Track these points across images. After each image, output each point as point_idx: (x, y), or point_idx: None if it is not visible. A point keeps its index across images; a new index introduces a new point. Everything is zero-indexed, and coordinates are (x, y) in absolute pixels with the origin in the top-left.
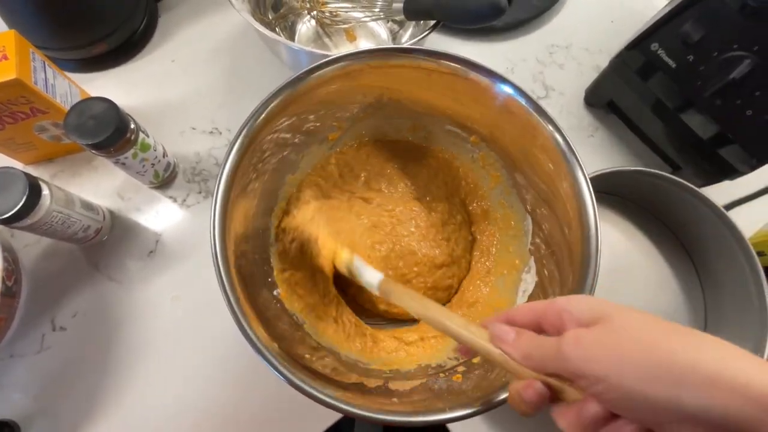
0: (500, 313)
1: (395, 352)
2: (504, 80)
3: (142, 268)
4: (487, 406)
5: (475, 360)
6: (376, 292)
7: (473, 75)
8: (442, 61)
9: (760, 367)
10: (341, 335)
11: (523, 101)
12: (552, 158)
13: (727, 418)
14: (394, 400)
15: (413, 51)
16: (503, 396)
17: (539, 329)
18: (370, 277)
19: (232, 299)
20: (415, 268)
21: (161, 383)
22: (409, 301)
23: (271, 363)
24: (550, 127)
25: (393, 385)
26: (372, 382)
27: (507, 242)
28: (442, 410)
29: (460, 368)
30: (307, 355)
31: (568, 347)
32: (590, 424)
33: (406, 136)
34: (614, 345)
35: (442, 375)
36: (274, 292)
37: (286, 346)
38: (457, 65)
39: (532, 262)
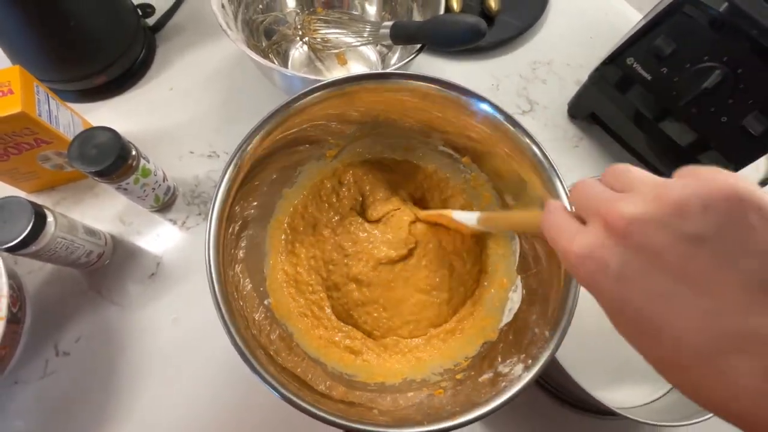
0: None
1: (381, 367)
2: (480, 98)
3: (144, 290)
4: (464, 421)
5: (458, 376)
6: (477, 227)
7: (452, 94)
8: (419, 83)
9: None
10: (328, 345)
11: (500, 116)
12: (532, 170)
13: None
14: (375, 411)
15: (391, 75)
16: (482, 411)
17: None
18: (469, 219)
19: (228, 321)
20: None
21: (164, 404)
22: (501, 223)
23: (269, 382)
24: (527, 140)
25: (375, 397)
26: (356, 394)
27: (496, 262)
28: (420, 423)
29: (444, 383)
30: (295, 367)
31: None
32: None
33: (400, 155)
34: None
35: (425, 389)
36: (265, 302)
37: (278, 360)
38: (431, 85)
39: (518, 281)
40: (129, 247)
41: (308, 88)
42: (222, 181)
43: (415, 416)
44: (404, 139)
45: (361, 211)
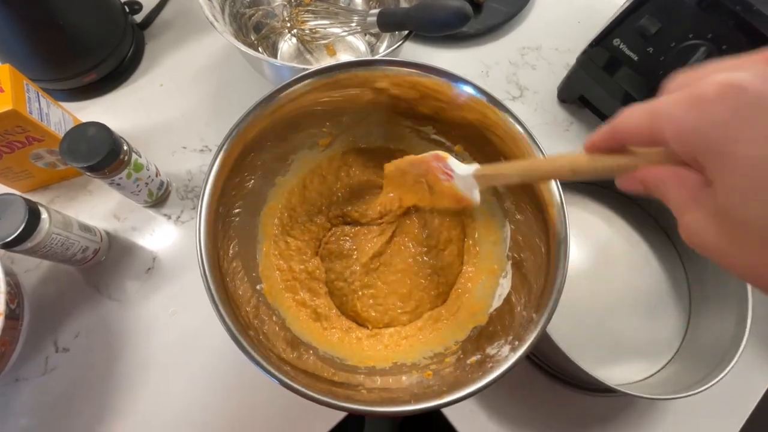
0: (603, 130)
1: (372, 350)
2: (465, 81)
3: (141, 285)
4: (450, 400)
5: (448, 359)
6: (472, 180)
7: (439, 80)
8: (407, 70)
9: None
10: (320, 330)
11: (484, 99)
12: (521, 155)
13: None
14: (363, 392)
15: (379, 62)
16: (467, 391)
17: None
18: (464, 170)
19: (223, 312)
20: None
21: (165, 398)
22: (506, 171)
23: (262, 366)
24: (510, 119)
25: (365, 380)
26: (345, 376)
27: (487, 249)
28: (408, 402)
29: (433, 366)
30: (289, 351)
31: (690, 238)
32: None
33: (394, 144)
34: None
35: (414, 372)
36: (258, 287)
37: (270, 344)
38: (419, 71)
39: (509, 267)
40: (124, 242)
41: (296, 76)
42: (212, 169)
43: (403, 396)
44: (397, 127)
45: (355, 207)
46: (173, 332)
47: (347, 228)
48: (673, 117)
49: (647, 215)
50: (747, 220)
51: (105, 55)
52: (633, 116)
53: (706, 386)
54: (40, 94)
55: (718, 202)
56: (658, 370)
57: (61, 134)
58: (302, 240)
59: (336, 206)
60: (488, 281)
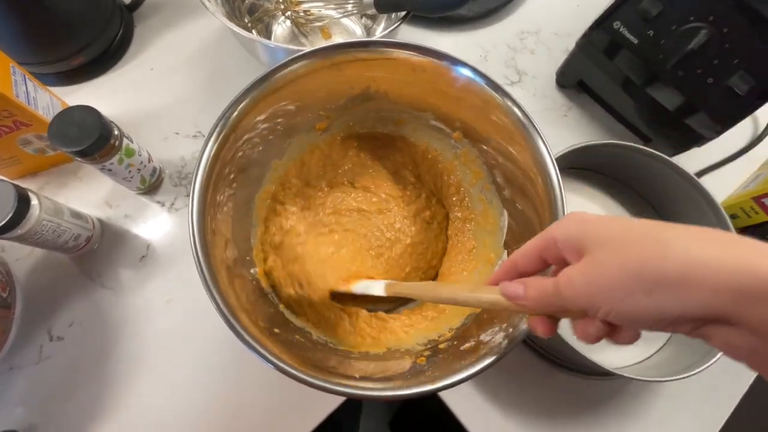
0: (505, 263)
1: (365, 336)
2: (461, 63)
3: (135, 274)
4: (443, 385)
5: (441, 346)
6: (384, 294)
7: (436, 62)
8: (404, 51)
9: (725, 251)
10: (315, 315)
11: (482, 81)
12: (516, 134)
13: (707, 310)
14: (357, 377)
15: (376, 43)
16: (460, 377)
17: (544, 262)
18: (377, 289)
19: (218, 298)
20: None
21: (160, 386)
22: (416, 291)
23: (257, 350)
24: (508, 102)
25: (358, 365)
26: (338, 361)
27: (483, 237)
28: (400, 387)
29: (426, 352)
30: (283, 335)
31: (565, 290)
32: (595, 337)
33: (391, 129)
34: (598, 278)
35: (407, 357)
36: (251, 271)
37: (265, 328)
38: (416, 53)
39: (505, 256)
40: (117, 230)
41: (292, 57)
42: (203, 153)
43: (396, 380)
44: (395, 112)
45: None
46: (169, 320)
47: (340, 193)
48: (561, 228)
49: (641, 198)
50: (605, 264)
51: (92, 37)
52: (529, 243)
53: (701, 369)
54: (27, 77)
55: (588, 261)
56: (653, 354)
57: (49, 119)
58: (294, 217)
59: (339, 177)
60: (484, 270)
